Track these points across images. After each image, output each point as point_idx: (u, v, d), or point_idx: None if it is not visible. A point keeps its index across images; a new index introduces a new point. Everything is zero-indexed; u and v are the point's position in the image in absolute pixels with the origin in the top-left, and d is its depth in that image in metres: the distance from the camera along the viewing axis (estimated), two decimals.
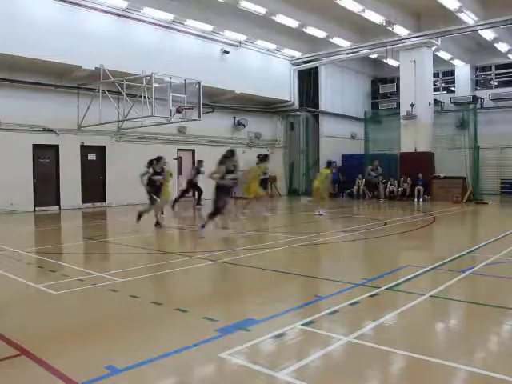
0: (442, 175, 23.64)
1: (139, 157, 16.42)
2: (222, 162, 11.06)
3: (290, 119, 29.04)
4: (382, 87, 29.58)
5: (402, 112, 24.71)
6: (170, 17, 20.44)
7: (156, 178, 13.14)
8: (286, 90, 27.19)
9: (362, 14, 20.91)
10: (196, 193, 20.00)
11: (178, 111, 17.33)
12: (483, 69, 29.29)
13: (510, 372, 3.62)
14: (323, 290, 6.52)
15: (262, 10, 20.38)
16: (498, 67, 28.57)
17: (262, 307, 5.43)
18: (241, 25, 22.51)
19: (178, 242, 11.87)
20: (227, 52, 23.50)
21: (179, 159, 23.31)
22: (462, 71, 28.91)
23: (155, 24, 20.46)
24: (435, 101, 26.54)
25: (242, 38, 23.83)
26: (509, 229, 12.06)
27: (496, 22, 21.81)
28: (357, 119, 30.28)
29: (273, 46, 25.58)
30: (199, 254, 9.01)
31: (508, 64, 27.78)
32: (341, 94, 29.66)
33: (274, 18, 21.34)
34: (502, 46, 25.22)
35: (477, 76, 29.45)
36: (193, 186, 19.35)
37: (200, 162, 19.22)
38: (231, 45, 23.83)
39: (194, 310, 5.32)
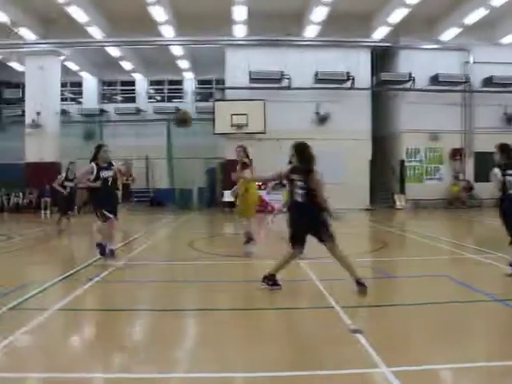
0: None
1: None
2: None
3: None
4: (7, 92, 27.67)
5: (28, 120, 23.69)
6: None
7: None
8: None
9: None
10: None
11: None
12: (109, 83, 30.65)
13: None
14: None
15: None
16: (122, 83, 30.34)
17: None
18: None
19: None
20: None
21: None
22: (90, 84, 29.60)
23: None
24: (63, 111, 26.39)
25: None
26: (134, 235, 12.81)
27: (121, 42, 23.21)
28: None
29: None
30: None
31: (131, 81, 29.83)
32: None
33: None
34: (127, 64, 26.89)
35: (103, 90, 30.60)
36: None
37: None
38: None
39: None
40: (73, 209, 13.07)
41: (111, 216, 8.45)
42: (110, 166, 8.72)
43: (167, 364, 4.08)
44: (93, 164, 8.52)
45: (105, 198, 8.49)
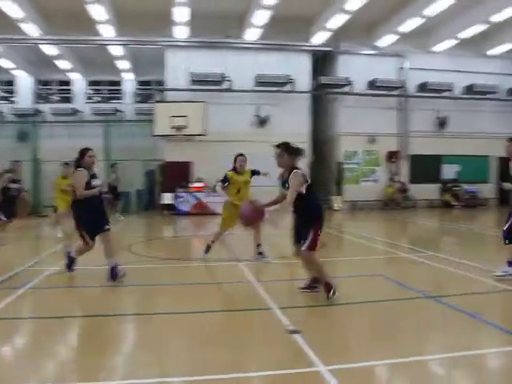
0: None
1: None
2: None
3: None
4: None
5: None
6: None
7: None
8: None
9: None
10: None
11: None
12: (46, 83, 29.65)
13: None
14: None
15: None
16: (60, 83, 29.42)
17: None
18: None
19: None
20: None
21: None
22: (25, 82, 28.50)
23: None
24: None
25: None
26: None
27: (58, 40, 22.54)
28: None
29: None
30: None
31: (69, 81, 28.99)
32: None
33: None
34: (64, 64, 26.10)
35: (39, 89, 29.56)
36: None
37: None
38: None
39: None
40: (14, 215, 11.66)
41: (90, 242, 7.52)
42: (94, 174, 7.59)
43: (104, 371, 3.99)
44: (84, 170, 7.34)
45: (91, 216, 7.38)
